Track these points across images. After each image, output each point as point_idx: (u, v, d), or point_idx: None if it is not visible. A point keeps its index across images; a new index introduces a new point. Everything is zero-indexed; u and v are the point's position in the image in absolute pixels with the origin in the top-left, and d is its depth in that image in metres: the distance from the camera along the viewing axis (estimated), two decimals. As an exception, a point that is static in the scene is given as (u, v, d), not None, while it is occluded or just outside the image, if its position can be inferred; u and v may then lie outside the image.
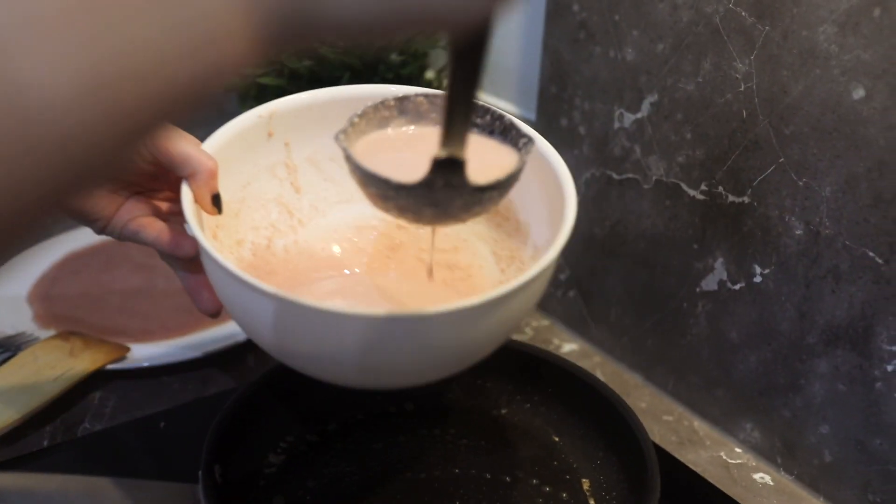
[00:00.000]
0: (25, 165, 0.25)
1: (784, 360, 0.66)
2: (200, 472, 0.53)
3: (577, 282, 0.83)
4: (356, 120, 0.50)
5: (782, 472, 0.68)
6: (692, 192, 0.69)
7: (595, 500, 0.61)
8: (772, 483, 0.67)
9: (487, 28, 0.35)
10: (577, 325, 0.85)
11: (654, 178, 0.72)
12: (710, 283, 0.70)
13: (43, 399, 0.68)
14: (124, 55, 0.26)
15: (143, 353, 0.77)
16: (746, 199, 0.65)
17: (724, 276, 0.68)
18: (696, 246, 0.70)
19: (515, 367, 0.68)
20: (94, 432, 0.69)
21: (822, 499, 0.66)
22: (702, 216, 0.69)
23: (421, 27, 0.33)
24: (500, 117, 0.50)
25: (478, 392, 0.69)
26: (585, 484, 0.62)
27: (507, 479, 0.63)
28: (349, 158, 0.46)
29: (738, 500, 0.64)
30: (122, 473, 0.64)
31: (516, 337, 0.79)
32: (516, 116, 0.51)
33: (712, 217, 0.68)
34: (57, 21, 0.25)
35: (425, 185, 0.42)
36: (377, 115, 0.51)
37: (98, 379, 0.74)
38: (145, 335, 0.80)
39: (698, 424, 0.74)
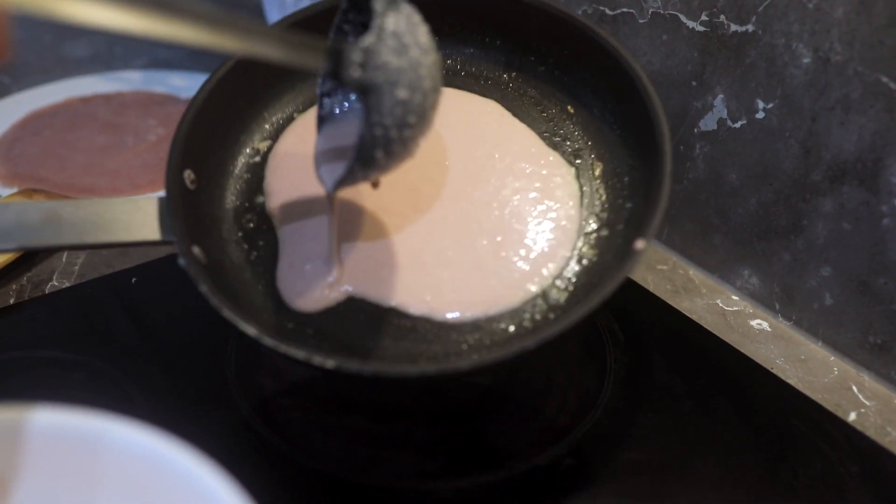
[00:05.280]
0: None
1: (786, 201, 0.62)
2: (165, 178, 0.49)
3: (568, 131, 0.79)
4: None
5: (780, 319, 0.66)
6: (691, 24, 0.64)
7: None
8: (769, 329, 0.65)
9: None
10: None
11: (650, 10, 0.67)
12: (708, 123, 0.66)
13: (5, 255, 0.65)
14: None
15: (112, 209, 0.73)
16: (750, 28, 0.60)
17: (724, 114, 0.64)
18: (694, 83, 0.66)
19: (532, 25, 0.59)
20: (62, 289, 0.65)
21: (820, 343, 0.64)
22: (701, 50, 0.64)
23: None
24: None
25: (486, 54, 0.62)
26: (598, 168, 0.58)
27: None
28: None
29: (735, 346, 0.62)
30: (95, 328, 0.62)
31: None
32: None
33: (713, 50, 0.63)
34: None
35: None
36: None
37: (65, 237, 0.71)
38: (114, 193, 0.76)
39: (693, 273, 0.71)
